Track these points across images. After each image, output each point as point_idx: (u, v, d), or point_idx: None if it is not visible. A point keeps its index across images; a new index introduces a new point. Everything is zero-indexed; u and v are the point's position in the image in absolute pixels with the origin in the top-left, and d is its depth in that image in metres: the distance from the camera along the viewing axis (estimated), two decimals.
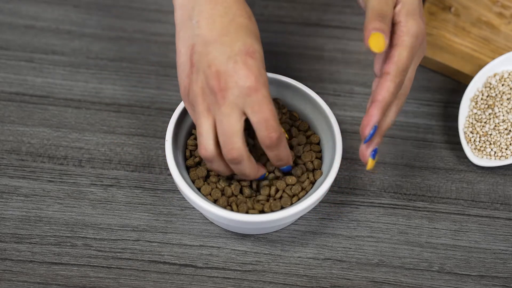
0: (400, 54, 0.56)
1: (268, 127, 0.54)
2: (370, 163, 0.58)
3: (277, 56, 0.77)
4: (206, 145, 0.56)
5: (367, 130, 0.56)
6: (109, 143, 0.71)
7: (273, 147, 0.55)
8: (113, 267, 0.64)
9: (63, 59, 0.76)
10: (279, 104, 0.66)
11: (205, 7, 0.56)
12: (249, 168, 0.57)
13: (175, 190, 0.68)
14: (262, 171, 0.59)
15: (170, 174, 0.69)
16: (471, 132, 0.70)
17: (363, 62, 0.77)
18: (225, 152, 0.55)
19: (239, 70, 0.53)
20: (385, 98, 0.56)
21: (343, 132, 0.71)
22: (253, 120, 0.54)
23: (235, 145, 0.54)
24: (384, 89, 0.55)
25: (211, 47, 0.54)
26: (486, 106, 0.71)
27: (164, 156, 0.70)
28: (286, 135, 0.61)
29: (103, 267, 0.64)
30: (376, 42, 0.54)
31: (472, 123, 0.70)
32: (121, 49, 0.77)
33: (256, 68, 0.53)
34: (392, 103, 0.58)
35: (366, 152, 0.57)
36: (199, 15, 0.56)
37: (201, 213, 0.66)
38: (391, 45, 0.56)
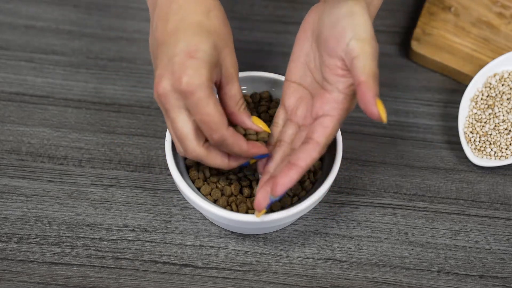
0: (334, 126, 0.56)
1: (207, 129, 0.53)
2: (263, 212, 0.57)
3: (277, 56, 0.77)
4: (178, 148, 0.56)
5: (281, 191, 0.55)
6: (109, 143, 0.71)
7: (220, 146, 0.55)
8: (113, 267, 0.64)
9: (63, 59, 0.76)
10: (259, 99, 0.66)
11: (163, 7, 0.55)
12: (215, 162, 0.56)
13: (175, 190, 0.68)
14: (234, 163, 0.57)
15: (170, 174, 0.69)
16: (471, 132, 0.70)
17: None
18: (185, 153, 0.55)
19: (174, 73, 0.52)
20: (308, 165, 0.56)
21: (343, 132, 0.71)
22: (196, 120, 0.53)
23: (188, 147, 0.54)
24: (310, 157, 0.55)
25: (159, 50, 0.54)
26: (486, 106, 0.71)
27: (164, 156, 0.70)
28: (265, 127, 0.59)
29: (103, 267, 0.64)
30: (383, 110, 0.53)
31: (472, 123, 0.70)
32: (121, 49, 0.77)
33: (192, 69, 0.52)
34: None
35: (264, 203, 0.56)
36: (157, 18, 0.55)
37: (201, 213, 0.66)
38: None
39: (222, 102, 0.57)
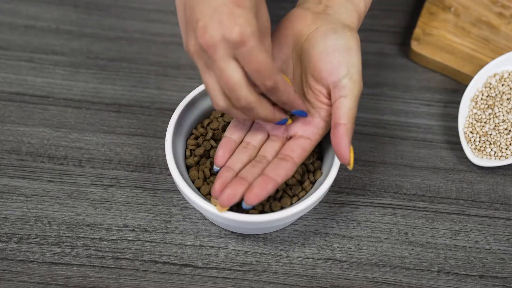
0: (311, 149, 0.59)
1: (261, 77, 0.52)
2: (226, 209, 0.57)
3: None
4: (216, 100, 0.54)
5: (256, 201, 0.56)
6: (109, 143, 0.71)
7: (271, 93, 0.54)
8: (113, 267, 0.64)
9: (63, 59, 0.76)
10: None
11: None
12: (264, 112, 0.55)
13: (175, 190, 0.68)
14: (279, 115, 0.57)
15: (170, 174, 0.69)
16: (471, 132, 0.70)
17: (363, 62, 0.77)
18: (234, 103, 0.54)
19: (224, 22, 0.51)
20: (283, 181, 0.57)
21: None
22: (247, 70, 0.52)
23: (240, 95, 0.53)
24: (287, 175, 0.57)
25: (197, 1, 0.52)
26: (486, 106, 0.71)
27: (164, 156, 0.70)
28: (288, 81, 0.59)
29: (103, 267, 0.64)
30: (353, 157, 0.57)
31: (472, 123, 0.70)
32: (121, 49, 0.77)
33: (242, 18, 0.51)
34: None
35: (231, 202, 0.56)
36: None
37: (201, 213, 0.66)
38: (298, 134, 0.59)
39: None
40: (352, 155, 0.56)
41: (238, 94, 0.53)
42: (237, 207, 0.61)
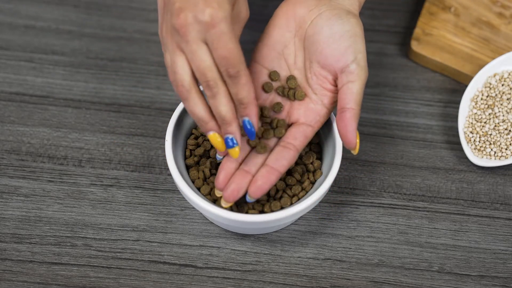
0: (312, 136, 0.59)
1: (226, 63, 0.52)
2: (231, 204, 0.57)
3: None
4: (182, 81, 0.54)
5: (260, 194, 0.56)
6: (109, 143, 0.71)
7: (232, 82, 0.53)
8: (113, 267, 0.64)
9: (63, 59, 0.76)
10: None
11: None
12: (225, 104, 0.54)
13: (175, 190, 0.68)
14: (236, 125, 0.55)
15: (170, 174, 0.69)
16: (471, 132, 0.70)
17: None
18: (202, 83, 0.54)
19: (197, 5, 0.51)
20: (286, 170, 0.57)
21: None
22: (214, 55, 0.52)
23: (210, 77, 0.53)
24: (289, 164, 0.58)
25: None
26: (486, 106, 0.71)
27: (164, 156, 0.70)
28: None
29: (103, 267, 0.64)
30: (359, 142, 0.58)
31: (472, 123, 0.70)
32: (121, 49, 0.77)
33: (216, 2, 0.51)
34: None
35: (237, 196, 0.56)
36: None
37: (201, 213, 0.66)
38: (299, 121, 0.59)
39: None
40: (358, 140, 0.56)
41: (208, 76, 0.53)
42: (237, 207, 0.61)
